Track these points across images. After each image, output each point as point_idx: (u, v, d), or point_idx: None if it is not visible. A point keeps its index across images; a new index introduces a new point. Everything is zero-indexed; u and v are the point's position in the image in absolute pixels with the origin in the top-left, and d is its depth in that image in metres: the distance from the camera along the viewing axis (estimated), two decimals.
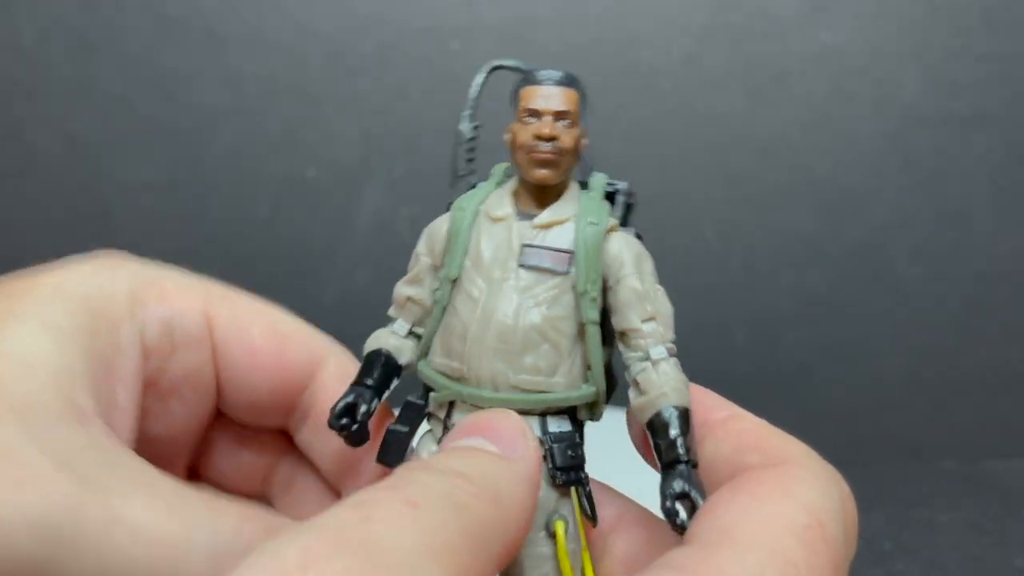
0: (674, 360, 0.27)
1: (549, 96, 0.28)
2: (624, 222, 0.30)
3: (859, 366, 0.75)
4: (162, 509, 0.23)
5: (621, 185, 0.30)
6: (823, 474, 0.25)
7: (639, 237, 0.29)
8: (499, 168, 0.30)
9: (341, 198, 0.75)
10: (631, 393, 0.28)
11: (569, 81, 0.28)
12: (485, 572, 0.21)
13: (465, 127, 0.31)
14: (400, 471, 0.22)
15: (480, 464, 0.23)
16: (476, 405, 0.27)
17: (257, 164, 0.75)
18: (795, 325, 0.75)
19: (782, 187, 0.75)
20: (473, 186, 0.30)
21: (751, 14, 0.73)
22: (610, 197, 0.30)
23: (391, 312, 0.30)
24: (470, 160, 0.31)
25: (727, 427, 0.27)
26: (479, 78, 0.31)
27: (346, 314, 0.79)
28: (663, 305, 0.28)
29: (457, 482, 0.22)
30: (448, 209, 0.30)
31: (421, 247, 0.30)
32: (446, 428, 0.28)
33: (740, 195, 0.75)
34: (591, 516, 0.27)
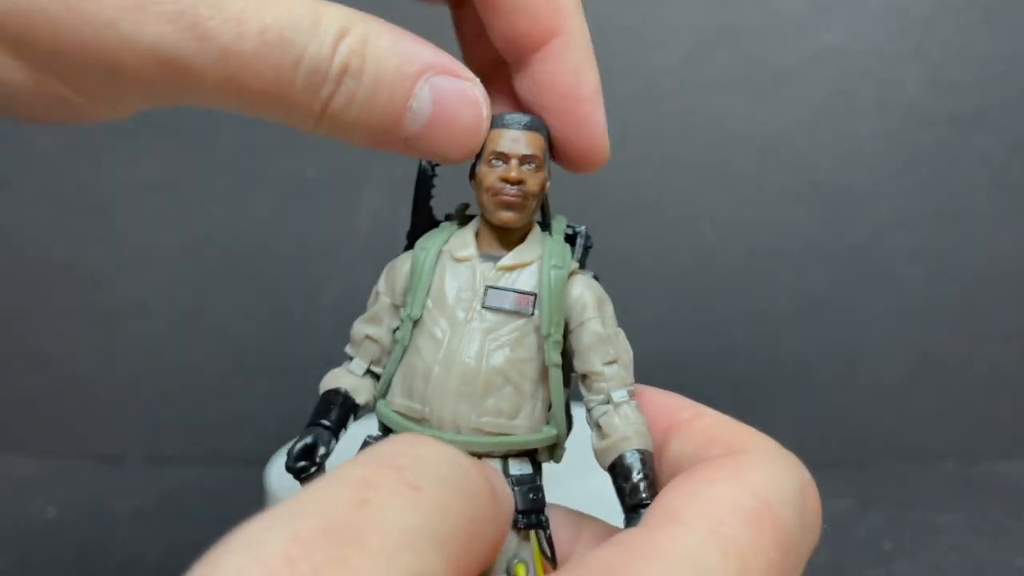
0: (635, 403, 0.28)
1: (516, 140, 0.28)
2: (582, 264, 0.30)
3: (859, 366, 0.75)
4: None
5: (580, 228, 0.31)
6: (781, 462, 0.25)
7: (596, 279, 0.29)
8: (461, 208, 0.31)
9: (341, 198, 0.75)
10: (593, 436, 0.28)
11: (536, 126, 0.28)
12: (478, 562, 0.21)
13: (425, 164, 0.31)
14: (404, 444, 0.21)
15: (480, 467, 0.23)
16: None
17: (257, 164, 0.75)
18: (795, 325, 0.75)
19: (782, 187, 0.75)
20: (435, 223, 0.30)
21: (751, 14, 0.73)
22: (569, 239, 0.30)
23: (348, 350, 0.30)
24: (430, 198, 0.31)
25: (691, 426, 0.27)
26: None
27: (346, 314, 0.79)
28: (624, 349, 0.28)
29: (464, 464, 0.21)
30: (408, 248, 0.30)
31: (381, 285, 0.30)
32: None
33: (740, 195, 0.75)
34: (551, 559, 0.27)
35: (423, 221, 0.31)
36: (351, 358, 0.30)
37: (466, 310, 0.28)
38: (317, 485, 0.19)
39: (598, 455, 0.28)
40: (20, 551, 0.60)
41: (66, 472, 0.72)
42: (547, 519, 0.27)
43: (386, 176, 0.74)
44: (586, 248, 0.31)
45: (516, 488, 0.27)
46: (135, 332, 0.76)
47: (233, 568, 0.16)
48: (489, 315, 0.27)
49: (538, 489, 0.28)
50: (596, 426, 0.28)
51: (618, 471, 0.27)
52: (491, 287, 0.28)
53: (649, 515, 0.23)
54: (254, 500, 0.57)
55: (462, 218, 0.30)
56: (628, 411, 0.28)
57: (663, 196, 0.74)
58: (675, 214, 0.75)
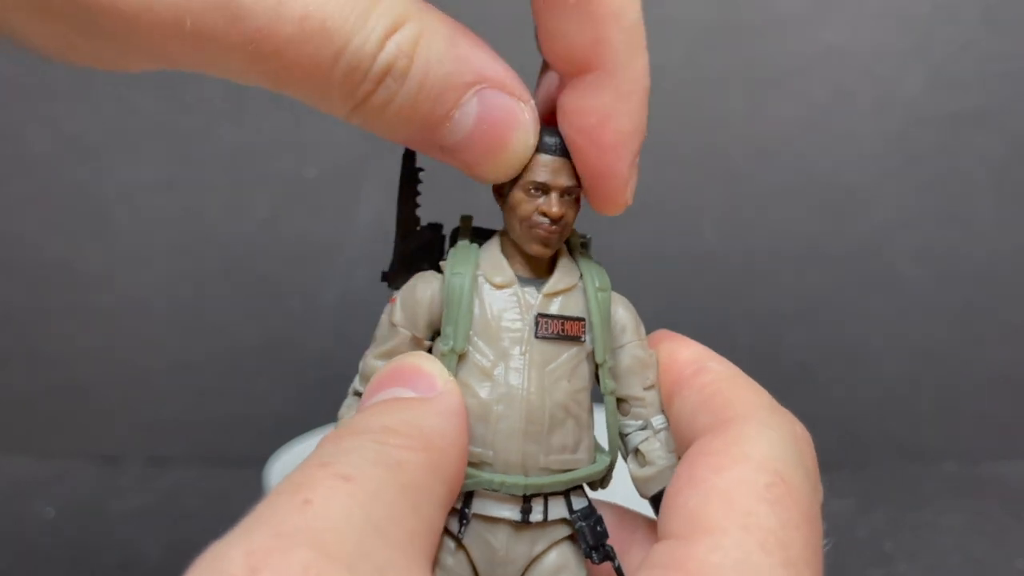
0: (670, 430, 0.27)
1: (558, 170, 0.26)
2: None
3: (859, 366, 0.75)
4: None
5: (587, 238, 0.29)
6: (771, 422, 0.24)
7: None
8: (467, 222, 0.28)
9: (341, 198, 0.75)
10: (631, 463, 0.28)
11: (568, 152, 0.26)
12: (433, 522, 0.21)
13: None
14: (327, 442, 0.22)
15: (402, 413, 0.23)
16: (505, 493, 0.25)
17: (257, 164, 0.75)
18: (795, 325, 0.75)
19: (782, 187, 0.75)
20: (430, 240, 0.29)
21: (751, 14, 0.73)
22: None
23: (359, 387, 0.28)
24: (416, 207, 0.29)
25: (691, 384, 0.27)
26: None
27: (346, 314, 0.79)
28: (656, 372, 0.28)
29: (384, 438, 0.21)
30: (385, 281, 0.28)
31: (398, 317, 0.27)
32: (463, 518, 0.25)
33: (740, 195, 0.75)
34: None
35: (409, 224, 0.29)
36: (360, 394, 0.28)
37: (518, 341, 0.26)
38: (265, 500, 0.20)
39: (639, 483, 0.27)
40: (20, 551, 0.60)
41: (66, 472, 0.72)
42: (613, 549, 0.26)
43: (386, 176, 0.74)
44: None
45: (584, 523, 0.26)
46: (134, 332, 0.76)
47: None
48: (543, 345, 0.26)
49: (600, 520, 0.27)
50: (635, 452, 0.27)
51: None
52: (541, 315, 0.26)
53: (673, 521, 0.23)
54: (253, 500, 0.57)
55: (469, 233, 0.28)
56: (668, 438, 0.27)
57: (663, 196, 0.74)
58: (675, 214, 0.75)
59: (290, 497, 0.19)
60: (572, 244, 0.28)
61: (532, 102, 0.26)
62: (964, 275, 0.74)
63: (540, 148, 0.26)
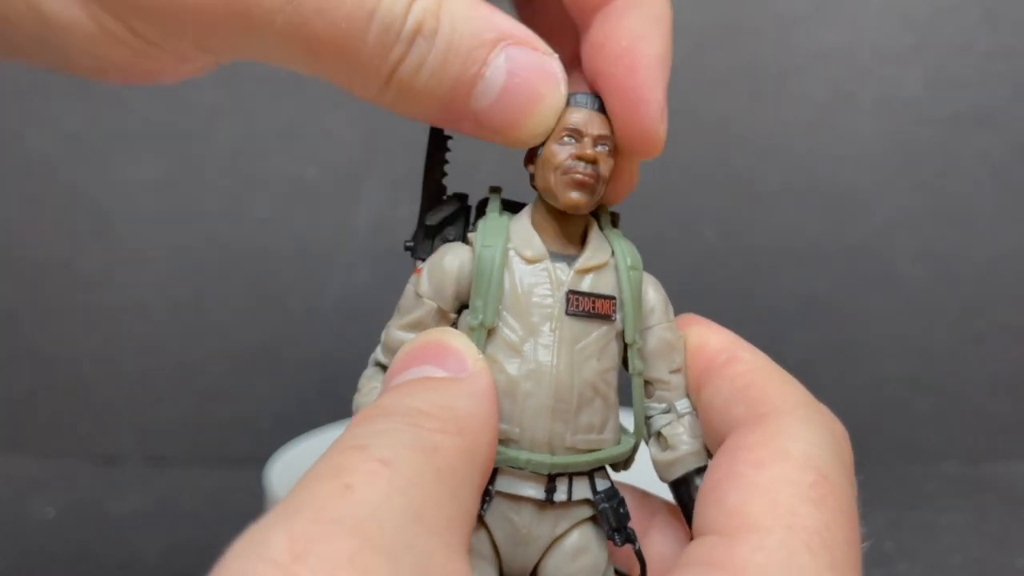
0: (695, 413, 0.27)
1: (591, 119, 0.26)
2: None
3: (859, 366, 0.75)
4: None
5: (617, 213, 0.29)
6: (811, 418, 0.24)
7: None
8: (496, 196, 0.28)
9: (341, 198, 0.75)
10: (653, 446, 0.27)
11: (606, 110, 0.27)
12: (469, 507, 0.21)
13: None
14: (361, 421, 0.22)
15: (435, 394, 0.23)
16: (531, 471, 0.25)
17: (257, 164, 0.75)
18: (795, 325, 0.75)
19: (783, 187, 0.75)
20: (457, 211, 0.28)
21: (752, 14, 0.73)
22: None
23: (382, 358, 0.27)
24: (443, 176, 0.29)
25: (723, 373, 0.26)
26: None
27: (346, 314, 0.79)
28: (684, 355, 0.27)
29: (419, 421, 0.21)
30: (411, 244, 0.28)
31: (425, 288, 0.26)
32: (486, 495, 0.25)
33: (740, 195, 0.75)
34: (643, 573, 0.26)
35: (435, 193, 0.29)
36: (383, 366, 0.27)
37: (549, 317, 0.25)
38: (303, 483, 0.19)
39: (660, 466, 0.27)
40: (20, 551, 0.60)
41: (66, 472, 0.72)
42: (634, 532, 0.26)
43: (386, 176, 0.74)
44: None
45: (607, 504, 0.26)
46: (134, 332, 0.76)
47: (242, 571, 0.17)
48: (573, 323, 0.25)
49: (623, 502, 0.26)
50: (658, 435, 0.27)
51: (686, 488, 0.26)
52: (573, 292, 0.25)
53: (714, 517, 0.22)
54: (253, 500, 0.57)
55: (499, 205, 0.28)
56: (692, 422, 0.27)
57: (663, 196, 0.74)
58: (675, 214, 0.75)
59: (330, 481, 0.19)
60: (602, 219, 0.28)
61: (557, 56, 0.26)
62: (964, 275, 0.74)
63: (569, 102, 0.26)
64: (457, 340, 0.25)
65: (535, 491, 0.25)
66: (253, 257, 0.75)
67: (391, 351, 0.27)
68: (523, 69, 0.25)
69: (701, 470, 0.26)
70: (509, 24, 0.25)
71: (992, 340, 0.75)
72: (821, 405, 0.25)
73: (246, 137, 0.74)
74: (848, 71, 0.74)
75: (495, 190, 0.28)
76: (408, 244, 0.29)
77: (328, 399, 0.71)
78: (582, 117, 0.26)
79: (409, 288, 0.27)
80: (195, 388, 0.75)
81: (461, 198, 0.29)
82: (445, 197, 0.29)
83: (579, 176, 0.25)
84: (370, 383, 0.27)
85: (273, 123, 0.74)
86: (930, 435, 0.75)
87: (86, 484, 0.70)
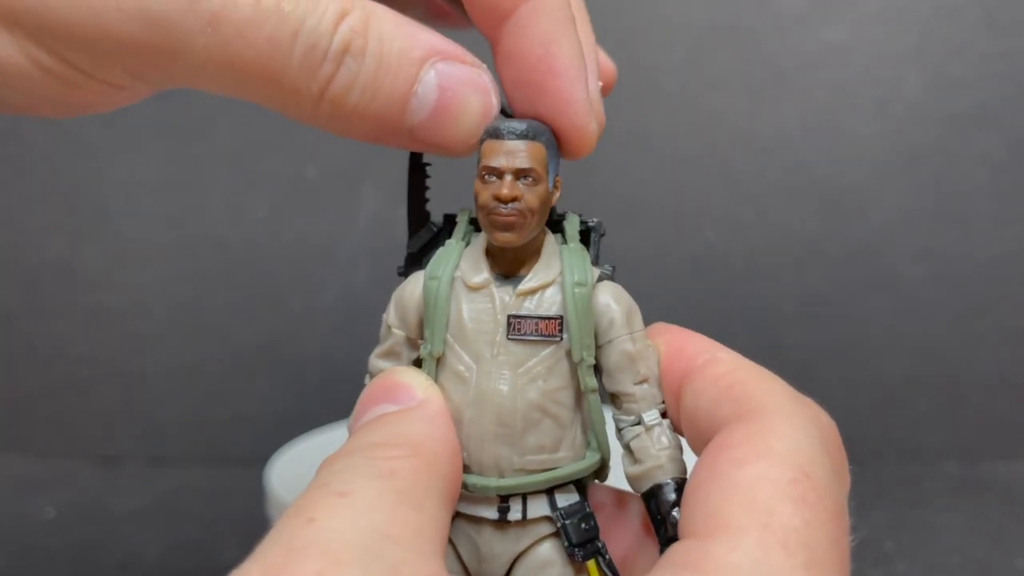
0: (667, 422, 0.27)
1: (511, 153, 0.25)
2: (596, 259, 0.28)
3: (859, 366, 0.75)
4: None
5: (593, 222, 0.29)
6: (797, 415, 0.24)
7: (613, 269, 0.28)
8: (463, 216, 0.28)
9: (341, 198, 0.75)
10: (624, 459, 0.27)
11: (534, 134, 0.26)
12: (437, 517, 0.22)
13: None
14: (324, 466, 0.23)
15: (388, 427, 0.24)
16: (478, 496, 0.26)
17: (256, 163, 0.75)
18: (795, 325, 0.75)
19: (783, 187, 0.75)
20: (435, 232, 0.29)
21: (751, 14, 0.73)
22: (583, 236, 0.28)
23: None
24: (425, 201, 0.29)
25: (704, 374, 0.26)
26: None
27: (346, 314, 0.79)
28: (654, 364, 0.27)
29: (375, 453, 0.22)
30: (403, 269, 0.29)
31: (392, 318, 0.27)
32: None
33: (740, 195, 0.75)
34: None
35: (419, 219, 0.29)
36: None
37: (491, 344, 0.26)
38: (275, 526, 0.21)
39: (631, 480, 0.27)
40: (20, 551, 0.60)
41: (66, 472, 0.72)
42: (603, 544, 0.26)
43: (386, 175, 0.74)
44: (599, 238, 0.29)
45: (567, 521, 0.26)
46: (134, 332, 0.76)
47: None
48: (515, 347, 0.26)
49: (589, 516, 0.26)
50: (627, 448, 0.27)
51: (654, 502, 0.26)
52: (513, 316, 0.26)
53: (693, 518, 0.22)
54: (253, 500, 0.57)
55: (466, 230, 0.28)
56: (660, 433, 0.27)
57: (663, 196, 0.74)
58: (675, 214, 0.75)
59: (296, 518, 0.20)
60: (569, 233, 0.28)
61: (485, 66, 0.27)
62: (964, 275, 0.74)
63: (491, 134, 0.26)
64: (404, 375, 0.26)
65: (489, 512, 0.26)
66: (253, 257, 0.75)
67: (373, 376, 0.28)
68: (454, 83, 0.26)
69: (667, 483, 0.26)
70: (437, 39, 0.26)
71: (992, 340, 0.75)
72: (807, 399, 0.25)
73: (246, 137, 0.74)
74: (848, 71, 0.74)
75: (464, 213, 0.28)
76: (400, 269, 0.29)
77: (328, 399, 0.71)
78: (502, 153, 0.26)
79: (384, 318, 0.28)
80: (195, 388, 0.75)
81: (449, 220, 0.29)
82: (430, 221, 0.29)
83: (499, 218, 0.25)
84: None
85: (273, 123, 0.74)
86: (930, 435, 0.75)
87: (86, 484, 0.70)
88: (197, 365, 0.75)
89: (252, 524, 0.60)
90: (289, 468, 0.57)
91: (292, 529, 0.20)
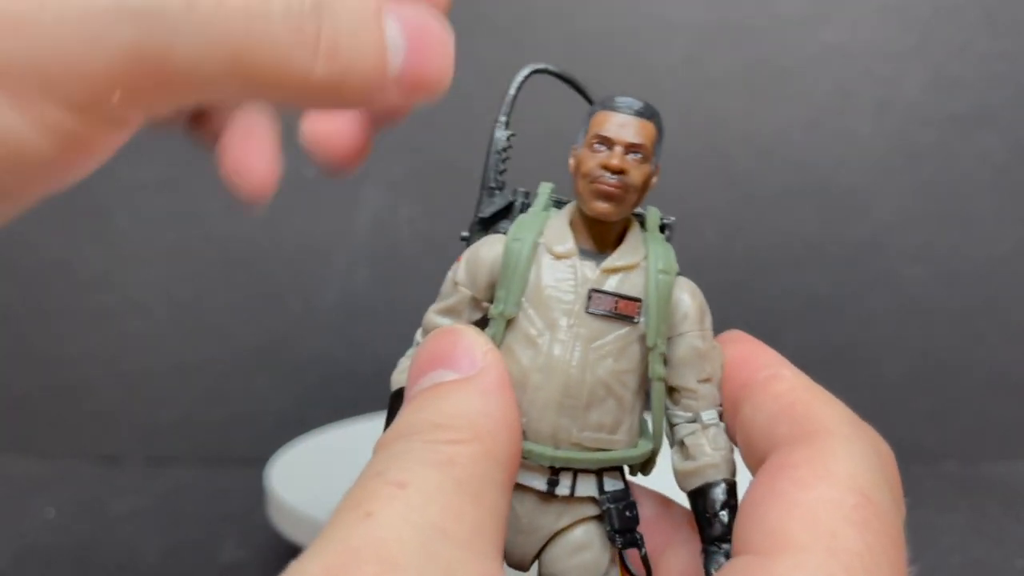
0: (722, 425, 0.27)
1: (624, 125, 0.26)
2: None
3: (859, 366, 0.75)
4: None
5: (671, 220, 0.29)
6: (857, 439, 0.24)
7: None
8: (545, 189, 0.28)
9: (340, 198, 0.75)
10: (675, 455, 0.27)
11: (649, 113, 0.26)
12: (496, 507, 0.22)
13: (500, 135, 0.29)
14: (380, 448, 0.22)
15: (448, 402, 0.23)
16: (529, 464, 0.25)
17: None
18: (795, 325, 0.75)
19: (783, 187, 0.75)
20: (509, 205, 0.29)
21: (751, 14, 0.73)
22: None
23: (420, 340, 0.28)
24: (502, 172, 0.30)
25: (765, 390, 0.26)
26: (517, 80, 0.30)
27: (346, 314, 0.79)
28: (718, 367, 0.27)
29: (434, 436, 0.22)
30: (468, 236, 0.29)
31: (461, 276, 0.27)
32: None
33: (740, 195, 0.75)
34: None
35: (492, 184, 0.29)
36: None
37: (567, 314, 0.25)
38: (333, 516, 0.20)
39: (680, 476, 0.27)
40: (20, 551, 0.60)
41: (66, 472, 0.72)
42: (642, 537, 0.26)
43: (386, 176, 0.74)
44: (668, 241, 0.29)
45: (612, 506, 0.26)
46: (134, 332, 0.76)
47: None
48: (592, 321, 0.26)
49: (632, 505, 0.26)
50: (680, 444, 0.27)
51: (703, 500, 0.26)
52: (595, 291, 0.26)
53: (751, 534, 0.22)
54: (253, 500, 0.57)
55: (547, 203, 0.28)
56: (716, 434, 0.26)
57: (663, 196, 0.74)
58: (675, 214, 0.74)
59: (353, 511, 0.20)
60: (649, 223, 0.28)
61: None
62: (964, 275, 0.74)
63: (606, 105, 0.26)
64: (466, 335, 0.25)
65: (538, 482, 0.26)
66: (253, 257, 0.75)
67: (428, 333, 0.27)
68: (413, 26, 0.26)
69: (719, 483, 0.26)
70: None
71: (992, 340, 0.75)
72: (866, 425, 0.25)
73: None
74: (848, 71, 0.74)
75: (545, 186, 0.28)
76: (464, 236, 0.29)
77: (328, 399, 0.71)
78: (615, 124, 0.26)
79: (449, 275, 0.28)
80: (195, 388, 0.75)
81: (519, 193, 0.30)
82: (502, 191, 0.29)
83: (604, 187, 0.25)
84: (405, 362, 0.28)
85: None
86: (930, 435, 0.75)
87: (86, 484, 0.70)
88: (197, 365, 0.75)
89: (252, 524, 0.61)
90: (289, 468, 0.57)
91: (349, 525, 0.19)
